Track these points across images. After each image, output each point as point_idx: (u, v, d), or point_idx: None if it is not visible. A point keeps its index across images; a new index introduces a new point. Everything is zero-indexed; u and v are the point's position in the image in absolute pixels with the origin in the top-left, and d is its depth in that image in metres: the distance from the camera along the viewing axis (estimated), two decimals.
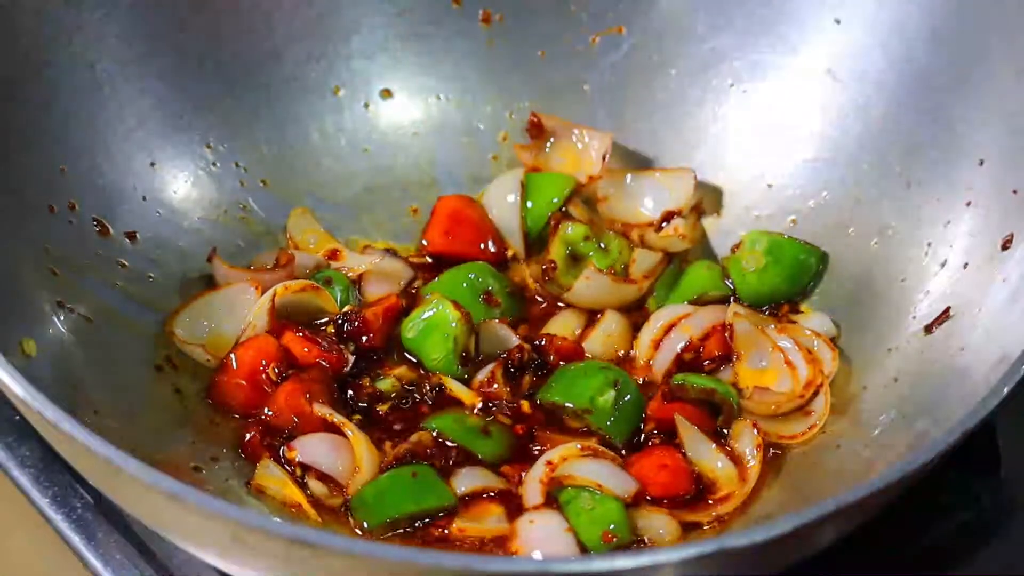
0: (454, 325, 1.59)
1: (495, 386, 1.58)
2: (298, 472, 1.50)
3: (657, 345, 1.63)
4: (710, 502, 1.50)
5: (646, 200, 1.75)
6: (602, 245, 1.71)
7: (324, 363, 1.56)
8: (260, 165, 1.76)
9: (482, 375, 1.59)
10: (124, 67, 1.67)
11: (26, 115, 1.57)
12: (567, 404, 1.56)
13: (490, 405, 1.57)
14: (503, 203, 1.77)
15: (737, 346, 1.60)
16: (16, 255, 1.50)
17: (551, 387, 1.58)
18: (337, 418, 1.51)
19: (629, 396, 1.56)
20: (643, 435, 1.56)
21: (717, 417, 1.56)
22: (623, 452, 1.54)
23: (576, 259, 1.71)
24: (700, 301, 1.67)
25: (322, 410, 1.51)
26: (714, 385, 1.56)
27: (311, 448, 1.50)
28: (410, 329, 1.62)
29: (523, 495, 1.49)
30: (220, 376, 1.57)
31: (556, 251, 1.71)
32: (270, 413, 1.52)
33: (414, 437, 1.52)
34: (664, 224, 1.73)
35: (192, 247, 1.69)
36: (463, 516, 1.48)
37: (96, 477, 1.33)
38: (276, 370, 1.55)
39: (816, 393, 1.56)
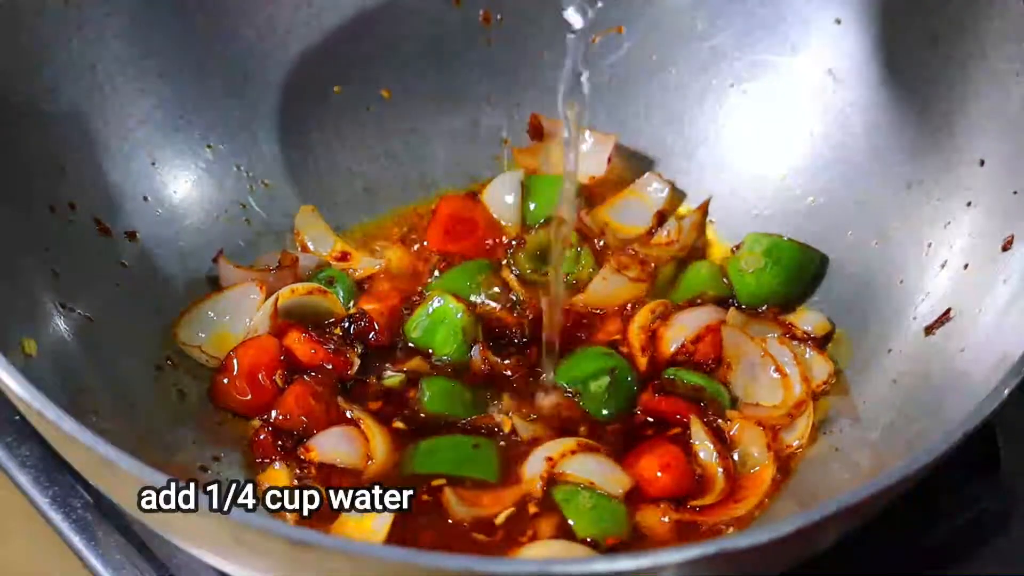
0: (459, 316, 1.60)
1: (491, 363, 1.59)
2: (313, 472, 1.50)
3: (647, 340, 1.62)
4: (699, 507, 1.49)
5: (630, 211, 1.76)
6: (580, 258, 1.70)
7: (329, 366, 1.57)
8: (260, 165, 1.76)
9: (475, 354, 1.59)
10: (124, 67, 1.66)
11: (26, 115, 1.57)
12: (562, 384, 1.58)
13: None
14: (503, 204, 1.77)
15: (727, 355, 1.60)
16: (16, 255, 1.50)
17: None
18: (356, 412, 1.53)
19: (624, 384, 1.57)
20: (634, 424, 1.56)
21: (707, 413, 1.57)
22: (621, 447, 1.54)
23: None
24: (700, 300, 1.67)
25: (343, 404, 1.53)
26: (704, 383, 1.57)
27: (328, 445, 1.50)
28: (415, 328, 1.62)
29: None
30: (220, 376, 1.57)
31: (539, 237, 1.71)
32: (279, 416, 1.52)
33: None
34: (658, 228, 1.74)
35: (193, 247, 1.69)
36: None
37: (96, 477, 1.33)
38: (281, 373, 1.55)
39: (802, 412, 1.56)
